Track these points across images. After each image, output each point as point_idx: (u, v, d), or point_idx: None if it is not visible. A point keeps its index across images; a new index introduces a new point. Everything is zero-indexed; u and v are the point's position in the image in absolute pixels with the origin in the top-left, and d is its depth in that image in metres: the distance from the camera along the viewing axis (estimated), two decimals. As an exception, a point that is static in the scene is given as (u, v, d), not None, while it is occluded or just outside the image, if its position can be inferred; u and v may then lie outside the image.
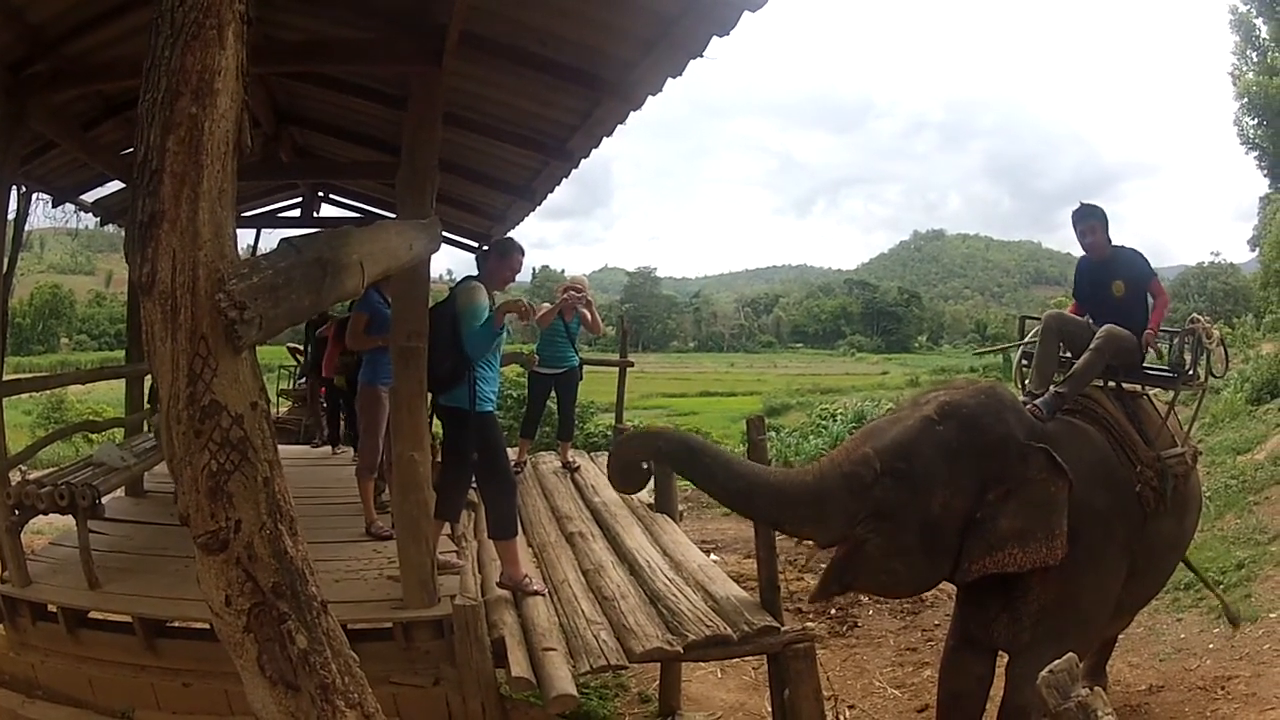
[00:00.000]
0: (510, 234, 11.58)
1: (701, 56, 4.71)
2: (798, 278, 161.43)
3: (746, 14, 4.20)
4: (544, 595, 6.19)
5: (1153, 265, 6.48)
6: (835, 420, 24.44)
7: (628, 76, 5.63)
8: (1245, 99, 15.49)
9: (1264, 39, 15.81)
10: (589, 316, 9.38)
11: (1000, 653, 6.20)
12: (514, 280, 6.61)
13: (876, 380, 60.97)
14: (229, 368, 2.54)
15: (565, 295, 9.33)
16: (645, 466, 5.88)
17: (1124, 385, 6.57)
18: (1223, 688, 7.54)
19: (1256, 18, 15.80)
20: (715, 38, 4.47)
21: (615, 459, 6.02)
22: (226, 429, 2.54)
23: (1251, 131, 15.64)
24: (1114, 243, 6.46)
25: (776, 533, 6.11)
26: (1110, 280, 6.40)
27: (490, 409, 6.21)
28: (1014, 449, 5.67)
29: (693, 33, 4.58)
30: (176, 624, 5.92)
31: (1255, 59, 15.96)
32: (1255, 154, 15.71)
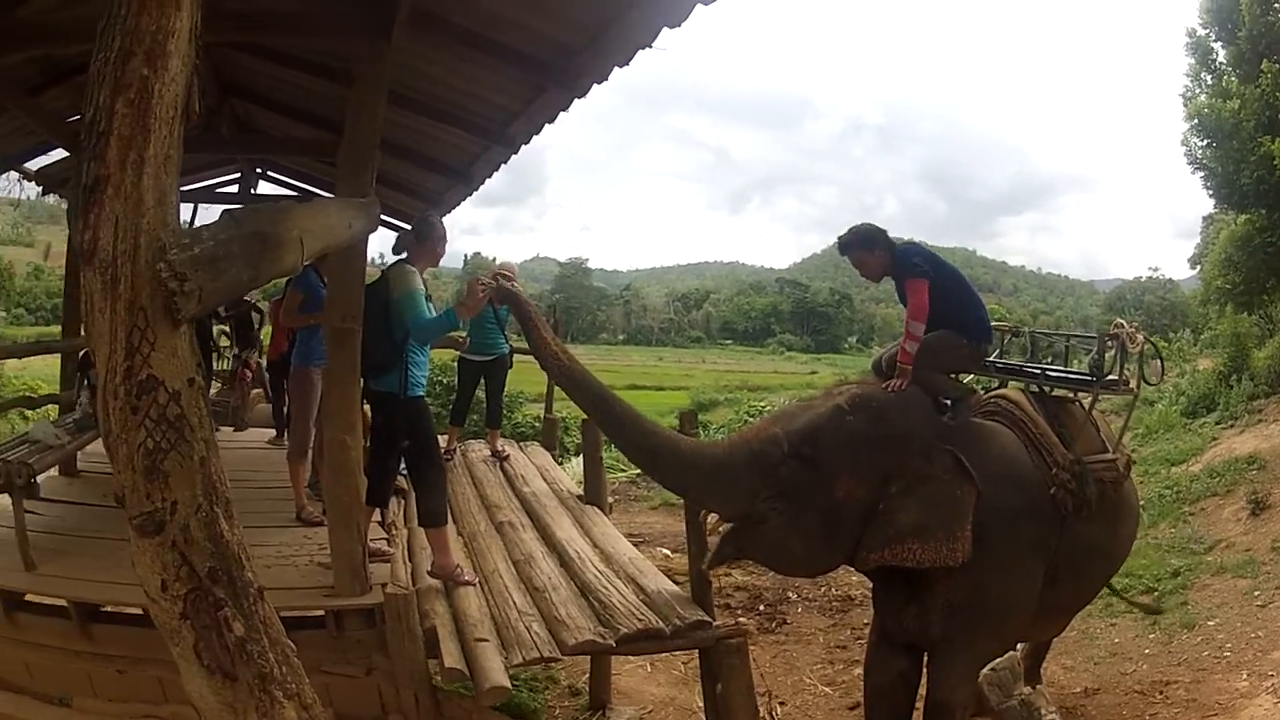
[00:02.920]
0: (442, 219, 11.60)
1: (650, 47, 4.66)
2: (729, 274, 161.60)
3: (699, 6, 4.14)
4: (475, 585, 6.13)
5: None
6: (763, 417, 24.44)
7: (574, 63, 5.60)
8: (1196, 120, 15.69)
9: (1220, 63, 16.07)
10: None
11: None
12: (440, 258, 6.50)
13: (805, 379, 61.10)
14: (167, 341, 2.45)
15: (495, 281, 9.26)
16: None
17: (1048, 389, 6.62)
18: (1161, 692, 7.71)
19: (1215, 41, 16.04)
20: (666, 29, 4.42)
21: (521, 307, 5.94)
22: (164, 405, 2.45)
23: (1200, 152, 15.84)
24: (899, 246, 6.34)
25: (700, 514, 6.12)
26: (901, 290, 6.27)
27: (421, 394, 6.14)
28: (920, 445, 5.75)
29: (643, 23, 4.53)
30: (110, 609, 5.73)
31: (1209, 82, 16.19)
32: (1202, 174, 15.93)
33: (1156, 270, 72.81)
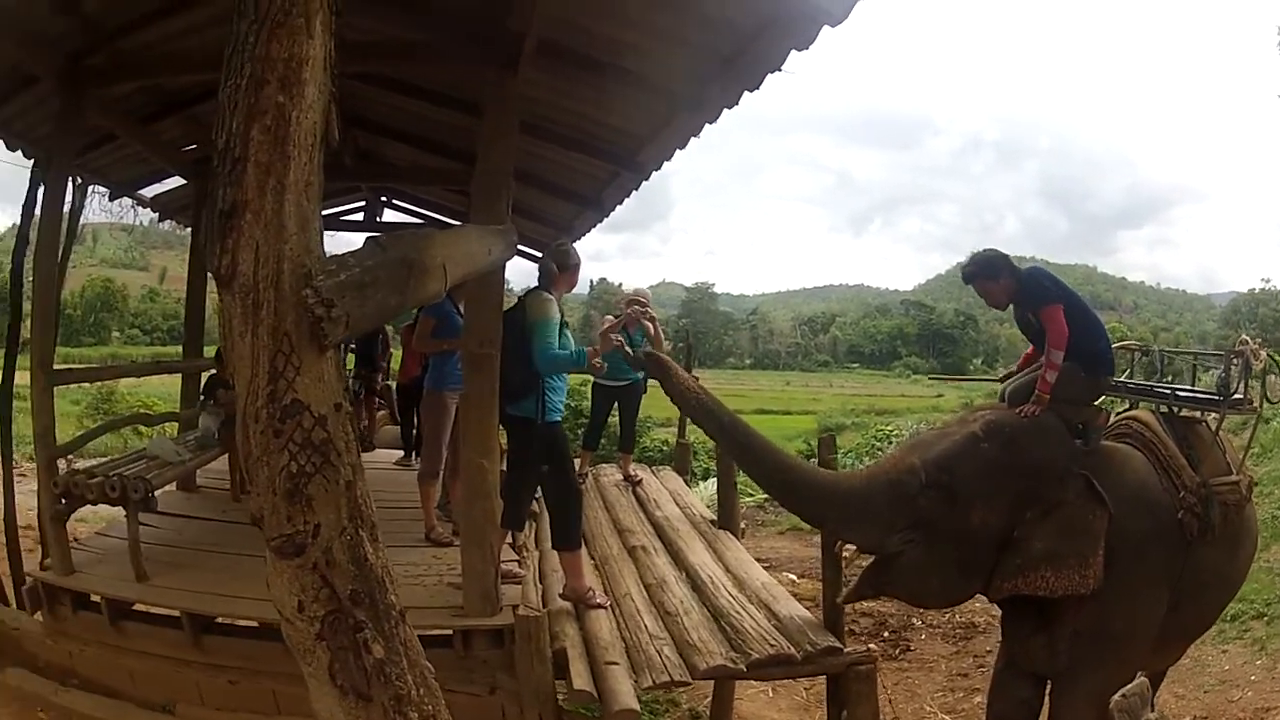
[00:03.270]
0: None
1: (780, 70, 4.61)
2: (854, 297, 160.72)
3: (826, 29, 4.09)
4: (607, 609, 6.12)
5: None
6: (891, 442, 24.17)
7: (704, 90, 5.54)
8: (1297, 121, 15.20)
9: (1319, 63, 15.58)
10: (653, 330, 9.28)
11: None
12: (575, 284, 6.53)
13: (931, 403, 60.53)
14: (313, 366, 2.49)
15: (629, 309, 9.24)
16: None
17: (1177, 410, 6.41)
18: (1262, 718, 7.64)
19: None
20: (795, 51, 4.38)
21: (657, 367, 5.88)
22: (309, 430, 2.48)
23: (1309, 156, 15.34)
24: (1025, 271, 6.10)
25: (835, 544, 6.07)
26: (1029, 318, 6.10)
27: (558, 419, 6.17)
28: (1054, 471, 5.63)
29: (773, 47, 4.50)
30: (223, 620, 5.87)
31: (1312, 83, 15.71)
32: (1306, 177, 15.41)
33: (1268, 281, 70.06)
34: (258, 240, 2.41)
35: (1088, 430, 5.83)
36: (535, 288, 6.15)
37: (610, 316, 9.35)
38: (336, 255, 2.71)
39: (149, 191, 9.90)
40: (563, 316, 6.04)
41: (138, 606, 5.98)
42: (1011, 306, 6.20)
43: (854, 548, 5.95)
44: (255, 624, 5.58)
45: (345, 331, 2.53)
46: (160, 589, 5.93)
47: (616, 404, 9.86)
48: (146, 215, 10.44)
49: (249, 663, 5.59)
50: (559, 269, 6.19)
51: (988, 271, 6.07)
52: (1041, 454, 5.65)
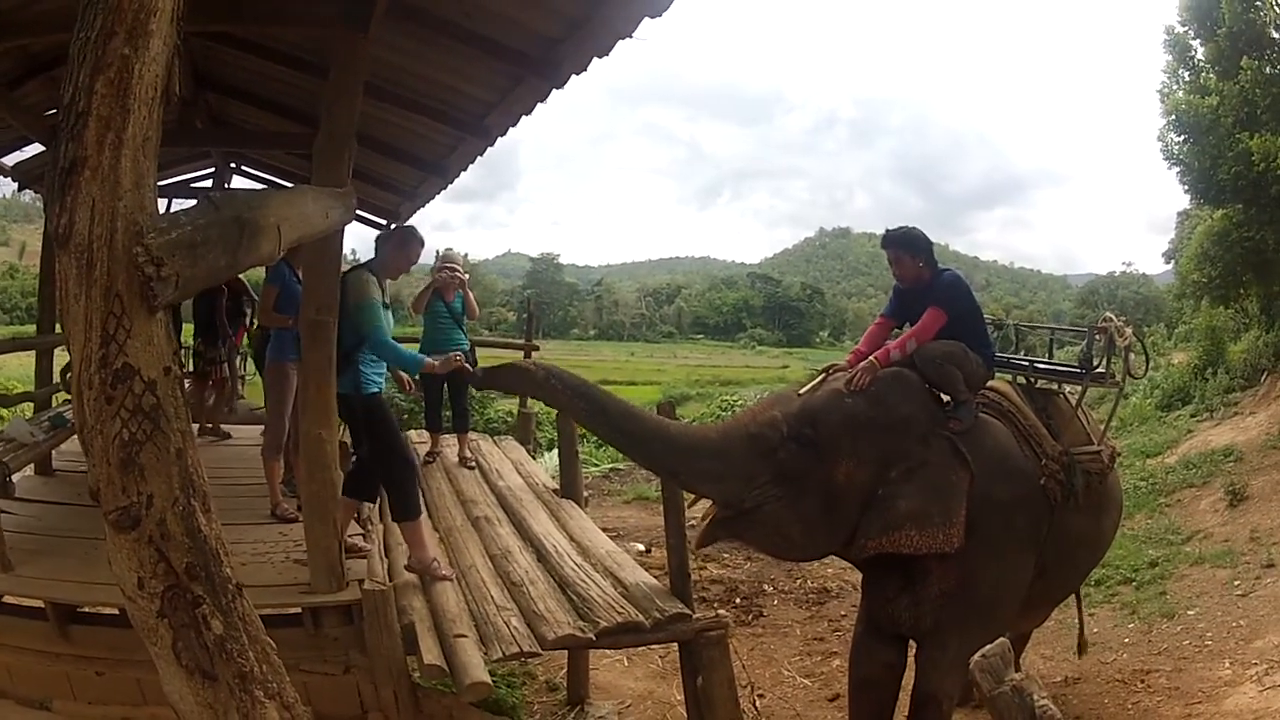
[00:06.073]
0: (413, 214, 11.45)
1: (631, 37, 4.62)
2: (700, 269, 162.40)
3: (681, -4, 4.09)
4: (452, 580, 6.09)
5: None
6: (734, 411, 24.50)
7: (553, 54, 5.55)
8: (1173, 116, 15.83)
9: (1199, 60, 16.24)
10: (470, 295, 9.14)
11: (911, 641, 6.24)
12: (409, 270, 6.43)
13: (777, 374, 61.38)
14: (143, 329, 2.37)
15: (439, 274, 9.09)
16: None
17: (1036, 381, 6.68)
18: (1142, 681, 7.81)
19: (1194, 39, 16.19)
20: (647, 18, 4.38)
21: (498, 380, 6.19)
22: (139, 395, 2.37)
23: (1177, 148, 15.99)
24: (943, 268, 6.28)
25: (666, 497, 6.25)
26: (915, 307, 6.22)
27: (377, 390, 6.08)
28: (918, 429, 5.76)
29: (625, 12, 4.50)
30: (88, 609, 5.67)
31: (1187, 78, 16.37)
32: (1179, 170, 16.06)
33: (1130, 265, 73.35)
34: (94, 197, 2.29)
35: (959, 407, 5.92)
36: (358, 265, 6.10)
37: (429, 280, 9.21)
38: (169, 213, 2.59)
39: (10, 160, 9.48)
40: (384, 297, 5.98)
41: (6, 599, 5.74)
42: (896, 281, 6.32)
43: (709, 506, 5.93)
44: (117, 611, 5.33)
45: (175, 293, 2.43)
46: (24, 579, 5.67)
47: (445, 380, 9.55)
48: (8, 187, 10.00)
49: (113, 652, 5.39)
50: (400, 244, 6.16)
51: (909, 245, 6.16)
52: (907, 411, 5.78)
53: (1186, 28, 16.28)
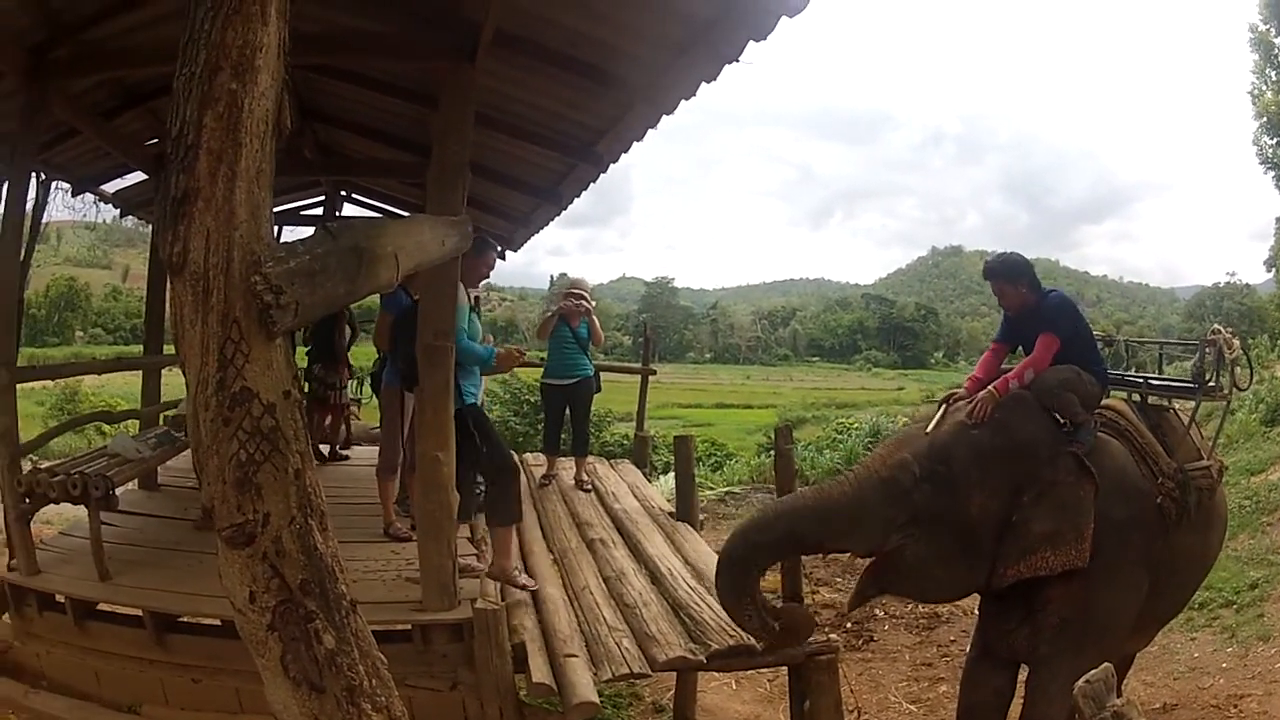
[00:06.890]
0: (527, 240, 11.58)
1: (737, 61, 4.61)
2: (814, 291, 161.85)
3: (784, 19, 4.10)
4: (530, 589, 6.20)
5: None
6: (850, 435, 24.34)
7: (660, 80, 5.53)
8: (1264, 118, 15.34)
9: (1284, 58, 15.73)
10: (595, 322, 9.18)
11: (1021, 666, 6.14)
12: (488, 276, 6.50)
13: (892, 395, 60.93)
14: (262, 354, 2.46)
15: (566, 301, 9.13)
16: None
17: (1147, 397, 6.54)
18: (1235, 706, 7.65)
19: (1276, 36, 15.65)
20: (751, 42, 4.38)
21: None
22: (257, 418, 2.45)
23: (1270, 151, 15.49)
24: (1048, 289, 6.18)
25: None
26: (1028, 334, 6.14)
27: (472, 402, 6.21)
28: (1044, 451, 5.66)
29: (729, 37, 4.49)
30: (186, 619, 5.83)
31: (1275, 77, 15.84)
32: (1274, 173, 15.49)
33: (1233, 275, 70.99)
34: (209, 227, 2.38)
35: (1078, 430, 5.81)
36: None
37: (554, 307, 9.27)
38: (286, 243, 2.69)
39: (111, 187, 9.82)
40: (474, 304, 6.05)
41: (102, 606, 5.92)
42: (1004, 307, 6.24)
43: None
44: (217, 622, 5.52)
45: (295, 319, 2.51)
46: (123, 588, 5.88)
47: (568, 404, 9.67)
48: (110, 213, 10.36)
49: (211, 661, 5.55)
50: (469, 256, 6.16)
51: (1009, 274, 6.10)
52: (1031, 434, 5.69)
53: (1268, 25, 15.71)
